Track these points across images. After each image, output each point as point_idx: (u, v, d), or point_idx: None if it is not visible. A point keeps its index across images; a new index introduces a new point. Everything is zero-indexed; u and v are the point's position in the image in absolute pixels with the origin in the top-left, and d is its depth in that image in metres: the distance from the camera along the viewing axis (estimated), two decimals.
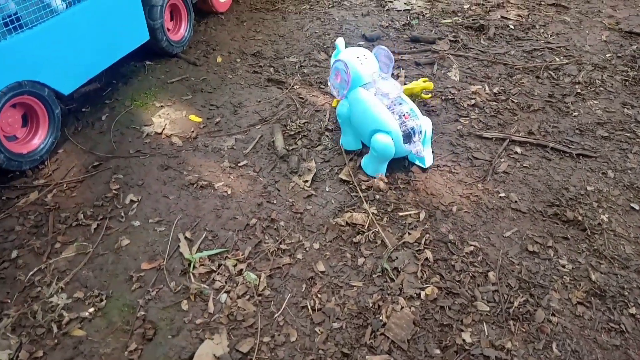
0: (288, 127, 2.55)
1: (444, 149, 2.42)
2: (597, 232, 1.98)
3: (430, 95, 2.70)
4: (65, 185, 2.21)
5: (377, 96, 2.20)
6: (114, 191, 2.17)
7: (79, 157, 2.37)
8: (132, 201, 2.13)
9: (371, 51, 2.40)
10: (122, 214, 2.06)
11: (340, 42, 2.39)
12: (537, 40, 3.43)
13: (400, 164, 2.29)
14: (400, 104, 2.20)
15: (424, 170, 2.28)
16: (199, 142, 2.46)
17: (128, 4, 2.68)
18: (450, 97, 2.79)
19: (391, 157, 2.15)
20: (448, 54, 3.23)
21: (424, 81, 2.69)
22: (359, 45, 3.29)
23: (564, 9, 3.92)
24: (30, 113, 2.27)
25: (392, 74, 2.95)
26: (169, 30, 3.12)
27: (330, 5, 3.94)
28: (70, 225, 2.03)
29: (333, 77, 2.30)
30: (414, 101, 2.50)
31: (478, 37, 3.45)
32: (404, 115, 2.15)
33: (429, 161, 2.29)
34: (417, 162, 2.30)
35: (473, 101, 2.76)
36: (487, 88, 2.88)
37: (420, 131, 2.16)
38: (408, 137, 2.12)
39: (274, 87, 2.91)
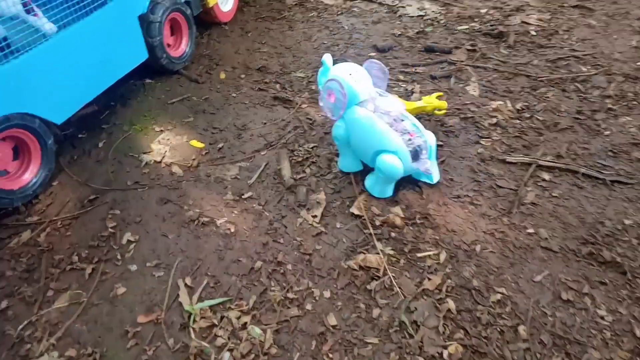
0: (295, 153, 2.39)
1: (464, 176, 2.23)
2: (639, 276, 1.78)
3: (444, 111, 2.50)
4: (59, 223, 2.08)
5: (376, 114, 2.02)
6: (110, 229, 2.03)
7: (75, 190, 2.23)
8: (129, 241, 1.98)
9: (362, 65, 2.20)
10: (119, 256, 1.92)
11: (327, 58, 2.18)
12: (561, 47, 3.21)
13: (409, 185, 2.12)
14: (403, 120, 2.03)
15: (431, 185, 2.15)
16: (200, 172, 2.30)
17: (124, 23, 2.53)
18: (469, 116, 2.59)
19: (399, 177, 2.03)
20: (466, 65, 3.02)
21: (438, 97, 2.50)
22: (370, 57, 3.10)
23: (589, 11, 3.68)
24: (20, 145, 2.13)
25: (407, 89, 2.77)
26: (169, 46, 2.96)
27: (339, 12, 3.75)
28: (64, 269, 1.89)
29: (325, 97, 2.10)
30: (418, 118, 2.32)
31: (497, 46, 3.24)
32: (408, 132, 2.00)
33: (436, 176, 2.16)
34: (424, 179, 2.16)
35: (494, 120, 2.56)
36: (509, 104, 2.68)
37: (427, 147, 2.02)
38: (415, 155, 1.99)
39: (280, 106, 2.74)
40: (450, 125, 2.53)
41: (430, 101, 2.47)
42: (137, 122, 2.60)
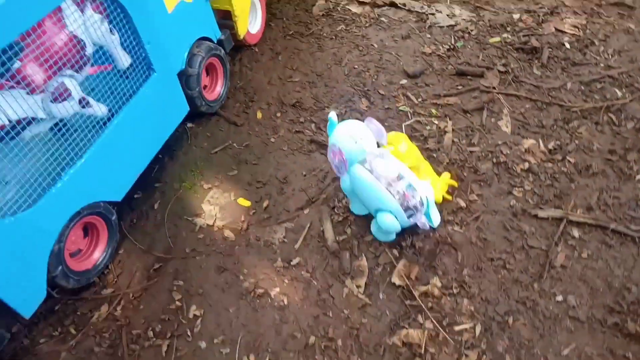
0: (336, 209, 2.55)
1: (497, 235, 2.37)
2: None
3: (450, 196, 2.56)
4: (131, 295, 2.34)
5: (375, 172, 2.20)
6: (177, 302, 2.28)
7: (140, 258, 2.47)
8: (195, 316, 2.24)
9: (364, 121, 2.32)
10: (188, 332, 2.18)
11: (332, 116, 2.30)
12: (596, 64, 3.16)
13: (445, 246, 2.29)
14: (400, 180, 2.20)
15: (433, 229, 2.36)
16: (250, 235, 2.50)
17: (167, 85, 2.63)
18: (502, 160, 2.67)
19: (398, 231, 2.27)
20: (498, 93, 3.04)
21: (448, 177, 2.56)
22: (401, 85, 3.14)
23: (628, 10, 3.54)
24: (89, 227, 2.35)
25: (439, 127, 2.84)
26: (205, 87, 3.06)
27: (367, 24, 3.71)
28: (143, 346, 2.17)
29: (331, 155, 2.26)
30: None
31: (530, 64, 3.21)
32: (403, 193, 2.18)
33: (436, 221, 2.35)
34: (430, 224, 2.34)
35: (527, 164, 2.64)
36: (541, 143, 2.73)
37: (422, 203, 2.21)
38: (411, 214, 2.19)
39: (317, 152, 2.86)
40: (483, 173, 2.62)
41: (443, 181, 2.52)
42: (186, 179, 2.78)
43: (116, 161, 2.34)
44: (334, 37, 3.64)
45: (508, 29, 3.49)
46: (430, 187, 2.31)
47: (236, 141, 2.97)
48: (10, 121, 1.86)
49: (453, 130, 2.86)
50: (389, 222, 2.21)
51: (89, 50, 2.10)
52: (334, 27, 3.73)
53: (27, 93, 1.90)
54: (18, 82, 1.85)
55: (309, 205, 2.61)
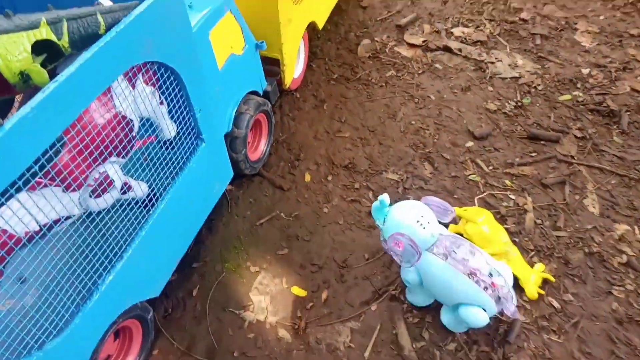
0: (407, 306, 2.18)
1: (603, 349, 2.03)
2: None
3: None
4: None
5: (450, 260, 1.86)
6: None
7: None
8: None
9: (420, 200, 2.00)
10: None
11: (385, 198, 1.94)
12: None
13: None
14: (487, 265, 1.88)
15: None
16: (310, 336, 2.12)
17: (215, 155, 2.24)
18: (594, 250, 2.33)
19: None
20: (579, 164, 2.70)
21: (543, 270, 2.22)
22: (468, 149, 2.80)
23: None
24: (121, 329, 1.96)
25: (517, 204, 2.50)
26: (248, 144, 2.68)
27: (420, 71, 3.36)
28: None
29: (392, 245, 1.89)
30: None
31: (609, 130, 2.88)
32: (491, 283, 1.85)
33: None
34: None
35: (624, 256, 2.30)
36: (636, 230, 2.40)
37: (512, 292, 1.89)
38: (502, 304, 1.87)
39: (378, 228, 2.49)
40: (576, 267, 2.28)
41: (535, 275, 2.19)
42: (229, 258, 2.39)
43: (158, 251, 1.95)
44: (384, 84, 3.29)
45: (578, 85, 3.17)
46: (508, 268, 1.97)
47: (284, 210, 2.59)
48: (40, 227, 1.47)
49: (534, 208, 2.52)
50: (480, 319, 1.87)
51: (137, 128, 1.72)
52: (382, 72, 3.37)
53: (63, 191, 1.51)
54: (52, 179, 1.46)
55: (375, 299, 2.23)
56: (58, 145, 1.33)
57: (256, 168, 2.70)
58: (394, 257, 1.92)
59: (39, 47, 1.38)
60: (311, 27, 3.29)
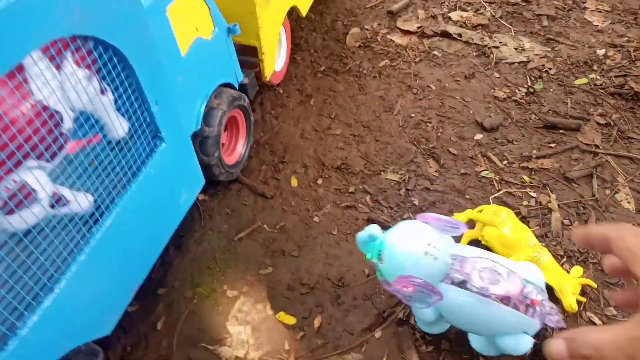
0: (419, 331, 1.80)
1: None
2: None
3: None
4: None
5: (474, 287, 1.45)
6: None
7: None
8: None
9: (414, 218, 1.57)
10: None
11: (375, 230, 1.50)
12: None
13: None
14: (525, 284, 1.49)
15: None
16: None
17: (178, 158, 1.86)
18: None
19: None
20: (605, 154, 2.35)
21: (581, 275, 1.85)
22: (477, 142, 2.44)
23: None
24: None
25: (540, 203, 2.13)
26: (222, 146, 2.30)
27: (416, 59, 3.00)
28: None
29: (398, 287, 1.45)
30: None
31: (635, 115, 2.54)
32: (530, 302, 1.46)
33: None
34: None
35: None
36: None
37: (550, 305, 1.51)
38: (545, 321, 1.49)
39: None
40: (614, 285, 1.91)
41: (571, 282, 1.80)
42: (202, 282, 2.00)
43: (105, 280, 1.56)
44: (377, 75, 2.92)
45: (594, 67, 2.82)
46: (534, 268, 1.58)
47: (267, 221, 2.21)
48: None
49: (559, 206, 2.15)
50: (526, 345, 1.51)
51: (68, 124, 1.33)
52: (375, 62, 3.01)
53: None
54: None
55: (380, 323, 1.85)
56: None
57: (233, 174, 2.32)
58: (402, 299, 1.51)
59: None
60: (294, 18, 2.94)
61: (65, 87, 1.30)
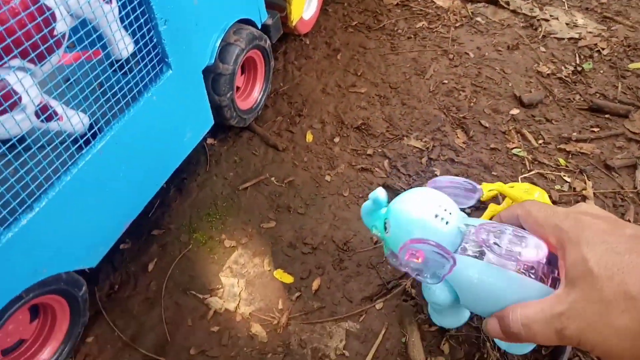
0: (424, 309, 1.65)
1: None
2: None
3: None
4: None
5: (493, 256, 1.20)
6: None
7: (118, 355, 1.59)
8: None
9: (426, 184, 1.35)
10: None
11: (380, 193, 1.30)
12: None
13: None
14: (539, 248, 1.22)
15: None
16: (292, 336, 1.61)
17: (186, 90, 1.72)
18: None
19: None
20: None
21: None
22: (512, 117, 2.24)
23: None
24: (39, 306, 1.47)
25: (574, 188, 1.95)
26: (238, 90, 2.15)
27: (457, 24, 2.78)
28: None
29: (406, 257, 1.23)
30: None
31: None
32: (557, 273, 1.19)
33: None
34: None
35: None
36: None
37: None
38: None
39: None
40: None
41: None
42: (200, 227, 1.88)
43: (93, 208, 1.44)
44: (412, 36, 2.71)
45: None
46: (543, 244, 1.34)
47: (276, 174, 2.07)
48: None
49: (595, 195, 1.96)
50: None
51: (61, 26, 1.19)
52: (412, 22, 2.80)
53: None
54: None
55: (382, 294, 1.71)
56: None
57: (246, 120, 2.17)
58: (412, 274, 1.29)
59: None
60: None
61: None
